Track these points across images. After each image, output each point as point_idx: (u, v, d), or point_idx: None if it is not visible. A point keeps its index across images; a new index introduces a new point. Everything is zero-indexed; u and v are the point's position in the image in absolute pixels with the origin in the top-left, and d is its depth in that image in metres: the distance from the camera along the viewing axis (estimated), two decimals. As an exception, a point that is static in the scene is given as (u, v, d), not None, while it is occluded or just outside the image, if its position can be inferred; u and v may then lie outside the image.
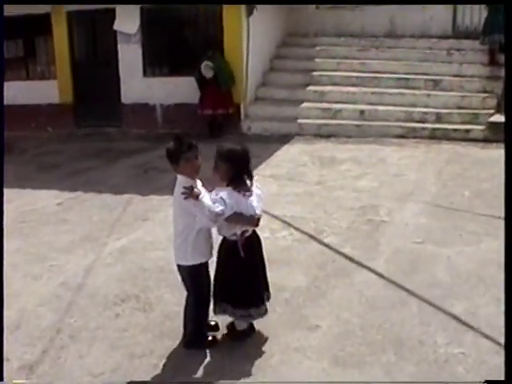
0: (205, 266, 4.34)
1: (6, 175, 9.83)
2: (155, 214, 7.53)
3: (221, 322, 4.63)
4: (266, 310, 4.45)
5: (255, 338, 4.54)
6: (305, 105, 12.19)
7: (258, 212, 4.17)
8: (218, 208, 4.02)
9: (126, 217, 7.50)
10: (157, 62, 12.85)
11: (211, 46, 11.87)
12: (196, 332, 4.45)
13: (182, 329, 4.55)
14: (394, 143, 10.71)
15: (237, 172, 4.13)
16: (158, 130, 12.74)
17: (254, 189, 4.23)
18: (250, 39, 11.99)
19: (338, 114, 11.83)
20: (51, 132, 13.38)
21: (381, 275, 5.49)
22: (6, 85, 13.30)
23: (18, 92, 13.17)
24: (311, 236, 6.52)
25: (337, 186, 8.31)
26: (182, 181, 4.15)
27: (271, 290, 4.97)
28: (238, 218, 4.11)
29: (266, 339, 4.52)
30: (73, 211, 7.87)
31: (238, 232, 4.21)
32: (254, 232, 4.37)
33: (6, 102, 13.15)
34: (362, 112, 11.73)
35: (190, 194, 4.00)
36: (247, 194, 4.15)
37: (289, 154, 10.29)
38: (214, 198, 4.07)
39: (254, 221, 4.20)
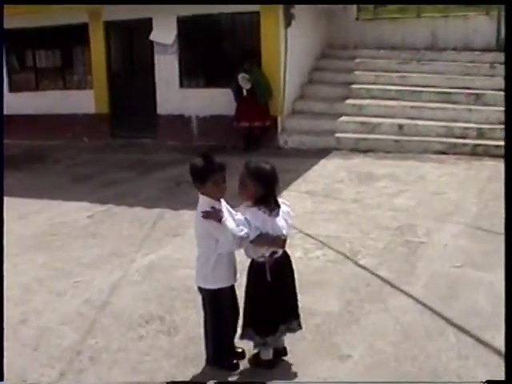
0: (227, 290, 4.14)
1: (37, 184, 10.03)
2: (186, 230, 7.35)
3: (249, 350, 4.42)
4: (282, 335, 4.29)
5: (282, 366, 4.32)
6: (343, 118, 11.96)
7: (284, 232, 3.97)
8: (243, 232, 3.82)
9: (156, 232, 7.37)
10: (193, 73, 12.78)
11: (248, 58, 11.75)
12: (217, 354, 4.27)
13: (204, 352, 4.38)
14: (433, 159, 10.41)
15: (264, 192, 3.93)
16: (193, 142, 12.70)
17: (282, 206, 4.04)
18: (288, 51, 11.84)
19: (376, 128, 11.58)
20: (87, 142, 13.42)
21: (417, 301, 5.23)
22: (44, 94, 13.55)
23: (55, 101, 13.26)
24: (346, 257, 6.30)
25: (374, 203, 8.07)
26: (205, 202, 3.98)
27: (302, 314, 4.80)
28: (264, 239, 3.91)
29: (293, 368, 4.30)
30: (103, 225, 7.77)
31: (266, 254, 4.01)
32: (285, 253, 4.16)
33: (42, 111, 13.46)
34: (400, 127, 11.45)
35: (213, 215, 3.83)
36: (273, 213, 3.95)
37: (325, 169, 10.07)
38: (238, 220, 3.89)
39: (281, 242, 3.99)
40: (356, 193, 8.59)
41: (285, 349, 4.37)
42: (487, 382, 3.55)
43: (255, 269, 4.08)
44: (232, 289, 4.19)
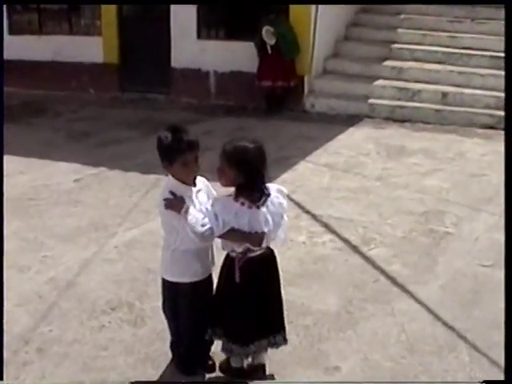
0: (198, 284, 3.78)
1: (30, 140, 9.79)
2: None
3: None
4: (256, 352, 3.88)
5: (258, 374, 3.99)
6: (379, 82, 11.43)
7: (264, 229, 3.53)
8: (205, 227, 3.46)
9: (146, 202, 7.08)
10: (213, 22, 12.34)
11: (274, 8, 11.25)
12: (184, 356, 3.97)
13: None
14: (478, 134, 9.85)
15: (245, 179, 3.48)
16: (210, 100, 12.37)
17: (273, 196, 3.58)
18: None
19: (416, 95, 11.03)
20: (93, 94, 13.14)
21: (431, 306, 4.82)
22: (47, 39, 13.26)
23: (59, 47, 12.97)
24: (356, 245, 5.93)
25: (400, 183, 7.62)
26: (171, 185, 3.61)
27: (292, 310, 4.49)
28: (233, 236, 3.53)
29: (268, 377, 3.96)
30: (89, 191, 7.52)
31: (238, 250, 3.61)
32: (268, 253, 3.73)
33: (46, 58, 13.17)
34: (444, 95, 10.87)
35: (173, 205, 3.48)
36: (255, 205, 3.51)
37: (352, 139, 9.64)
38: (204, 212, 3.51)
39: (256, 239, 3.55)
40: (382, 169, 8.15)
41: (263, 366, 3.98)
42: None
43: (225, 264, 3.73)
44: (199, 284, 3.81)
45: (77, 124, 11.03)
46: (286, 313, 4.57)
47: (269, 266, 3.74)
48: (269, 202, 3.54)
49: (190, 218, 3.46)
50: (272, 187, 3.62)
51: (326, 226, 6.37)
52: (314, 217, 6.58)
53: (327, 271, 5.42)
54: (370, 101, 11.09)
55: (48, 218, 6.69)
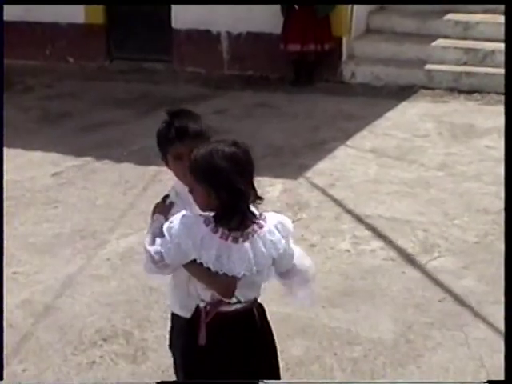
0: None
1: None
2: None
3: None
4: None
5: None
6: (439, 42, 11.37)
7: (238, 272, 3.06)
8: (153, 249, 3.12)
9: (144, 201, 7.02)
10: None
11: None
12: None
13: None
14: None
15: (221, 201, 3.03)
16: (223, 69, 12.29)
17: (265, 230, 3.10)
18: None
19: (488, 57, 10.98)
20: (72, 64, 13.09)
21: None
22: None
23: (30, 5, 12.92)
24: (415, 253, 5.91)
25: (470, 172, 7.62)
26: (176, 184, 3.46)
27: (336, 340, 4.52)
28: (196, 271, 3.12)
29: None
30: (71, 188, 7.54)
31: (205, 297, 3.19)
32: (255, 309, 3.33)
33: (12, 17, 13.14)
34: (524, 57, 10.76)
35: (156, 209, 3.35)
36: (232, 236, 3.07)
37: (405, 118, 9.61)
38: (159, 231, 3.18)
39: (224, 285, 3.10)
40: (445, 154, 8.14)
41: None
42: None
43: (190, 318, 3.33)
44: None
45: (53, 102, 11.02)
46: (328, 342, 4.58)
47: (253, 329, 3.30)
48: (256, 236, 3.08)
49: (149, 230, 3.24)
50: (271, 216, 3.18)
51: (375, 229, 6.37)
52: (360, 218, 6.58)
53: (379, 288, 5.40)
54: (428, 67, 11.02)
55: (19, 223, 6.69)
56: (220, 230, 3.05)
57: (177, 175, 3.43)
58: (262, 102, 10.36)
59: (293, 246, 3.28)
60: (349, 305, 5.14)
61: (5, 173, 7.87)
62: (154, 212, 3.33)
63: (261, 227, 3.10)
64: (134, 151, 8.49)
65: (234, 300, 3.17)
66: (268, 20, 11.57)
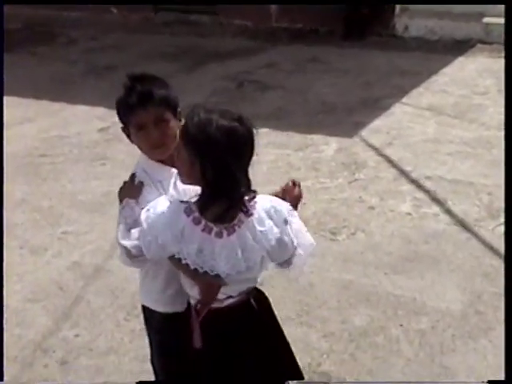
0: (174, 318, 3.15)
1: (37, 76, 9.67)
2: None
3: None
4: None
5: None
6: (498, -6, 10.96)
7: (223, 271, 2.67)
8: (130, 242, 2.77)
9: None
10: None
11: None
12: None
13: None
14: None
15: (208, 179, 2.60)
16: (271, 22, 12.12)
17: (255, 220, 2.68)
18: None
19: (548, 12, 10.52)
20: (116, 15, 12.96)
21: None
22: None
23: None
24: (479, 219, 5.62)
25: (534, 131, 7.25)
26: (143, 161, 3.05)
27: (401, 310, 4.35)
28: (179, 267, 2.75)
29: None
30: (119, 143, 7.31)
31: (194, 294, 2.84)
32: (257, 295, 2.94)
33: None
34: None
35: (123, 191, 2.95)
36: (217, 228, 2.65)
37: (463, 73, 9.29)
38: (132, 220, 2.83)
39: (205, 285, 2.76)
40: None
41: None
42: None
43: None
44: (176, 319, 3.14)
45: (97, 55, 10.91)
46: (393, 311, 4.37)
47: (252, 323, 2.90)
48: (244, 228, 2.67)
49: (120, 219, 2.86)
50: (262, 200, 2.73)
51: (437, 191, 6.10)
52: (420, 179, 6.32)
53: (444, 254, 5.15)
54: (486, 20, 10.66)
55: (67, 180, 6.56)
56: (203, 221, 2.63)
57: (140, 148, 3.01)
58: (312, 57, 10.10)
59: (293, 226, 2.77)
60: (413, 271, 4.90)
61: (50, 127, 7.83)
62: (121, 195, 2.92)
63: (249, 216, 2.66)
64: (180, 107, 8.26)
65: (223, 296, 2.78)
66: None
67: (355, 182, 6.25)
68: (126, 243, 2.74)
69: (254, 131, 2.67)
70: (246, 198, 2.64)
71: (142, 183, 2.92)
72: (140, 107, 2.90)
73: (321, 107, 8.10)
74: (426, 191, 6.09)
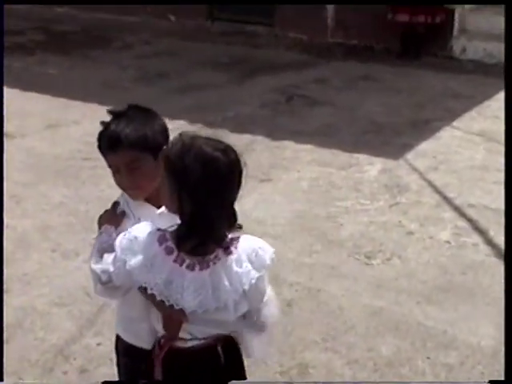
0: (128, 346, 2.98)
1: (88, 79, 9.73)
2: (283, 173, 6.93)
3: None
4: None
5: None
6: (559, 21, 10.75)
7: (189, 306, 2.51)
8: (101, 268, 2.67)
9: None
10: None
11: None
12: None
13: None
14: None
15: (185, 210, 2.48)
16: (327, 37, 12.18)
17: (234, 259, 2.53)
18: None
19: None
20: (173, 22, 13.03)
21: None
22: None
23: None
24: (522, 251, 5.47)
25: None
26: (125, 195, 2.92)
27: (430, 342, 4.23)
28: (147, 296, 2.60)
29: None
30: (162, 151, 7.31)
31: (160, 329, 2.69)
32: (224, 343, 2.71)
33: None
34: None
35: (104, 218, 2.87)
36: (190, 261, 2.51)
37: (519, 99, 9.07)
38: (107, 245, 2.73)
39: (170, 319, 2.61)
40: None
41: None
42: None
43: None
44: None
45: (150, 61, 10.96)
46: (421, 343, 4.27)
47: (215, 371, 2.70)
48: (220, 265, 2.52)
49: (95, 244, 2.76)
50: (246, 241, 2.58)
51: (479, 220, 5.98)
52: (463, 207, 6.21)
53: (480, 286, 5.03)
54: (545, 47, 10.44)
55: (106, 185, 6.47)
56: (176, 251, 2.51)
57: (119, 187, 2.87)
58: (365, 74, 10.04)
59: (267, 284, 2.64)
60: (446, 302, 4.78)
61: (95, 132, 7.73)
62: (101, 221, 2.82)
63: (228, 254, 2.52)
64: (228, 117, 8.30)
65: (187, 335, 2.62)
66: (377, -12, 11.22)
67: (396, 205, 6.15)
68: (96, 267, 2.66)
69: (242, 164, 2.50)
70: (230, 235, 2.51)
71: (123, 213, 2.83)
72: (110, 151, 2.76)
73: (369, 126, 8.02)
74: (468, 220, 5.97)
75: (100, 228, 2.77)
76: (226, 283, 2.49)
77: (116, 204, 2.86)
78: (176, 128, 8.09)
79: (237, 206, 5.52)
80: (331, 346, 4.35)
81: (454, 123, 8.18)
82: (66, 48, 11.19)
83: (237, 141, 7.58)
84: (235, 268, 2.50)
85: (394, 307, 4.71)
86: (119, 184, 2.81)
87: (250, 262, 2.52)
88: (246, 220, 5.79)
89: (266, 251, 2.57)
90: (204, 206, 2.43)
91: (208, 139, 2.48)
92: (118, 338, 2.99)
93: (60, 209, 6.07)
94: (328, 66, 10.65)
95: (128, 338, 2.90)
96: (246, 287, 2.50)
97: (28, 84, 9.33)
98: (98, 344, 4.37)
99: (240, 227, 2.56)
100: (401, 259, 5.31)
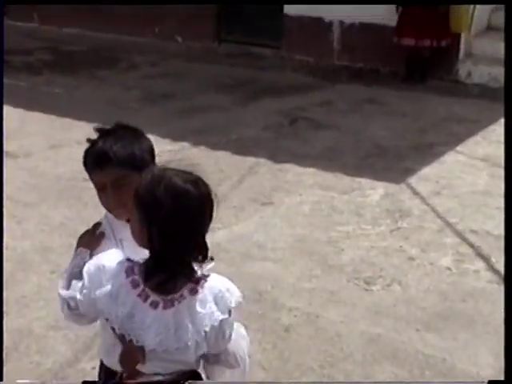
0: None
1: (94, 99, 9.72)
2: (285, 196, 6.88)
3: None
4: None
5: None
6: None
7: (148, 343, 2.45)
8: (67, 293, 2.64)
9: (237, 194, 6.84)
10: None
11: None
12: None
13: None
14: None
15: (155, 245, 2.41)
16: (333, 59, 12.01)
17: (201, 297, 2.47)
18: None
19: None
20: (180, 43, 13.01)
21: None
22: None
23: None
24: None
25: None
26: (108, 214, 2.91)
27: (429, 370, 4.19)
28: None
29: None
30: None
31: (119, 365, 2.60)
32: (190, 378, 2.63)
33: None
34: None
35: (81, 240, 2.85)
36: (157, 300, 2.45)
37: (523, 124, 9.02)
38: (78, 270, 2.66)
39: (127, 354, 2.51)
40: None
41: None
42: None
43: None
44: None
45: (156, 81, 10.91)
46: (419, 371, 4.22)
47: None
48: (185, 305, 2.45)
49: (68, 267, 2.73)
50: (214, 281, 2.51)
51: (481, 247, 5.93)
52: (465, 233, 6.16)
53: (480, 314, 5.00)
54: (551, 72, 10.40)
55: (107, 207, 6.51)
56: (141, 286, 2.43)
57: (104, 206, 2.85)
58: (370, 97, 10.00)
59: (233, 325, 2.58)
60: (446, 330, 4.74)
61: (99, 152, 7.82)
62: (79, 243, 2.80)
63: (194, 293, 2.44)
64: (232, 140, 8.26)
65: (151, 371, 2.52)
66: (383, 11, 11.15)
67: (397, 230, 6.10)
68: (64, 293, 2.61)
69: (213, 197, 2.47)
70: (200, 272, 2.45)
71: (103, 234, 2.78)
72: (97, 168, 2.74)
73: (372, 150, 7.98)
74: (470, 246, 5.92)
75: (76, 250, 2.73)
76: (189, 324, 2.42)
77: (97, 225, 2.83)
78: (177, 149, 8.15)
79: (237, 228, 5.56)
80: (328, 372, 4.31)
81: (458, 148, 8.12)
82: (73, 68, 11.18)
83: (240, 163, 7.68)
84: (199, 309, 2.43)
85: (392, 334, 4.67)
86: (104, 203, 2.78)
87: (216, 303, 2.46)
88: (247, 243, 5.86)
89: (233, 294, 2.50)
90: (174, 241, 2.36)
91: (178, 171, 2.42)
92: (101, 362, 2.87)
93: (61, 230, 6.04)
94: (333, 88, 10.60)
95: (109, 363, 2.77)
96: (207, 329, 2.44)
97: (33, 103, 9.32)
98: (93, 368, 4.29)
99: (212, 259, 2.49)
100: (401, 285, 5.26)
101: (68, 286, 2.62)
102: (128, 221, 2.66)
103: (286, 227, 6.18)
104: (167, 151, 7.83)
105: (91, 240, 2.77)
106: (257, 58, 12.29)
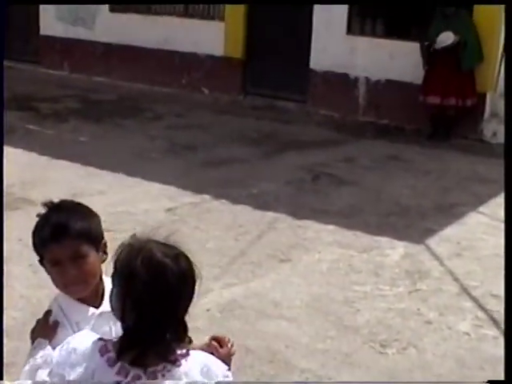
0: None
1: (117, 148, 9.75)
2: (303, 253, 6.76)
3: None
4: None
5: None
6: None
7: None
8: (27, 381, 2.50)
9: (257, 249, 6.76)
10: (369, 13, 12.04)
11: (453, -1, 10.79)
12: None
13: None
14: None
15: (129, 318, 2.27)
16: (358, 115, 12.15)
17: (181, 373, 2.31)
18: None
19: None
20: (206, 95, 13.10)
21: None
22: (155, 20, 13.39)
23: (170, 33, 13.04)
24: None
25: None
26: (62, 298, 2.72)
27: None
28: None
29: None
30: (184, 226, 7.25)
31: None
32: None
33: (151, 44, 13.28)
34: None
35: (36, 330, 2.67)
36: (139, 374, 2.29)
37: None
38: (41, 360, 2.53)
39: None
40: None
41: None
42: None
43: None
44: None
45: (180, 132, 10.97)
46: None
47: None
48: (168, 377, 2.30)
49: (28, 360, 2.54)
50: (198, 355, 2.38)
51: (501, 312, 5.74)
52: (485, 297, 6.01)
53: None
54: None
55: (124, 258, 6.45)
56: (119, 363, 2.28)
57: (56, 285, 2.66)
58: (393, 154, 9.96)
59: None
60: (460, 400, 4.61)
61: (119, 202, 7.80)
62: (33, 335, 2.62)
63: (177, 366, 2.30)
64: (252, 194, 8.20)
65: None
66: (409, 69, 11.27)
67: (416, 292, 5.98)
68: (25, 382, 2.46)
69: (196, 272, 2.35)
70: (178, 351, 2.29)
71: (57, 322, 2.62)
72: (54, 242, 2.59)
73: (393, 208, 7.90)
74: (490, 311, 5.78)
75: (33, 343, 2.58)
76: None
77: (48, 313, 2.66)
78: (198, 202, 8.11)
79: (253, 284, 5.43)
80: None
81: (480, 208, 8.03)
82: (99, 116, 11.25)
83: (259, 218, 7.62)
84: (185, 379, 2.29)
85: (406, 401, 4.55)
86: (60, 280, 2.61)
87: (202, 375, 2.31)
88: (263, 301, 5.77)
89: (219, 367, 2.38)
90: (148, 318, 2.22)
91: (160, 244, 2.33)
92: None
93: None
94: (357, 144, 10.58)
95: None
96: None
97: (58, 151, 9.35)
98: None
99: (190, 341, 2.39)
100: (417, 349, 5.13)
101: (33, 377, 2.47)
102: (82, 300, 2.59)
103: (303, 285, 6.08)
104: (188, 203, 7.83)
105: (46, 330, 2.61)
106: (282, 111, 12.35)
